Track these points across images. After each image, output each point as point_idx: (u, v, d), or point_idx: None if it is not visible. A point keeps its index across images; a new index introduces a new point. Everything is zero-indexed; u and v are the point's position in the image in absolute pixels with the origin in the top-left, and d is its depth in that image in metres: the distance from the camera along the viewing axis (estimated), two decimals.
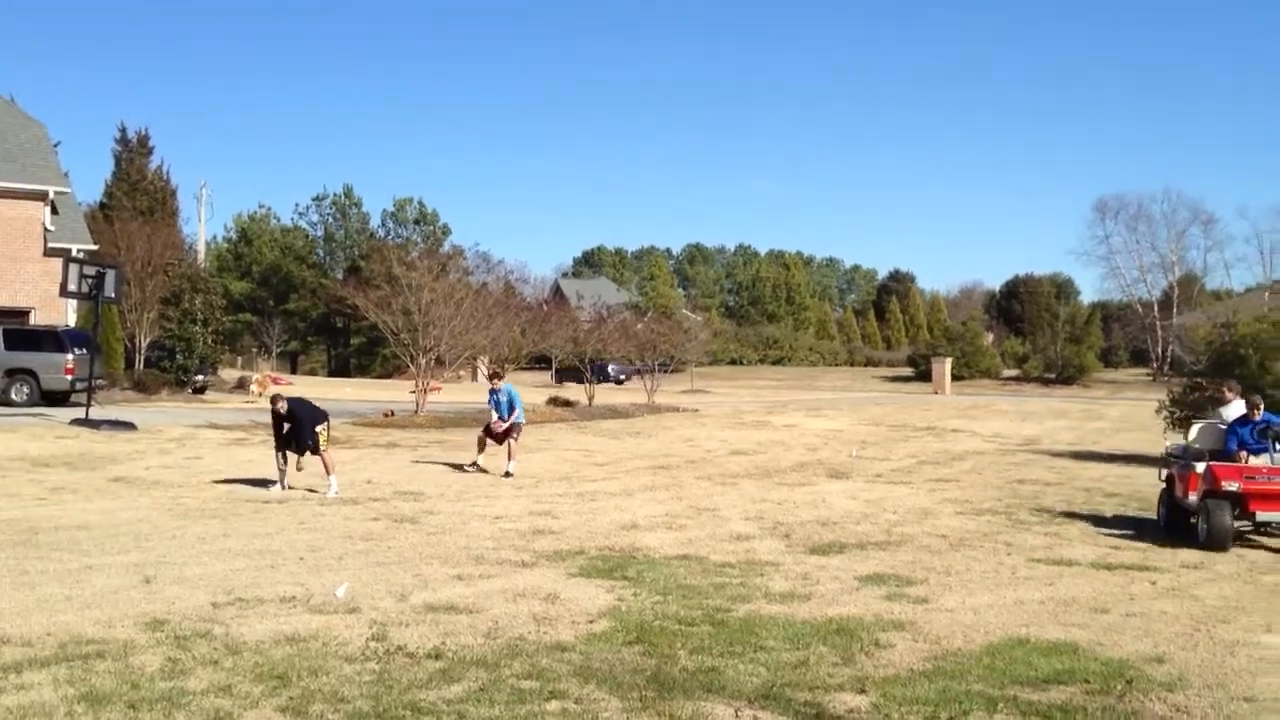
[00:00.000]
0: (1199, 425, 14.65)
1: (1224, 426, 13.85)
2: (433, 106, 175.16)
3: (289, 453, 15.26)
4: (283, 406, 15.20)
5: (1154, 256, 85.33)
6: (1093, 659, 7.40)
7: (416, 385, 30.39)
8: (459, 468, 18.48)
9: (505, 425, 18.38)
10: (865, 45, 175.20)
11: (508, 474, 17.70)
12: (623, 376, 55.25)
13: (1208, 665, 7.34)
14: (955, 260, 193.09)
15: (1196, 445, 14.04)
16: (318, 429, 15.28)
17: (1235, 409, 13.94)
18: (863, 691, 6.51)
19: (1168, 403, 23.25)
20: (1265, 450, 13.05)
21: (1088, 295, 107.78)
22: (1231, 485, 12.15)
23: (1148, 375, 72.79)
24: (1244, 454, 13.04)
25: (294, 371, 78.36)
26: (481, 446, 18.57)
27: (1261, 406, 13.49)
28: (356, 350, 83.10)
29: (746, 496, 16.06)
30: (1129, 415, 37.82)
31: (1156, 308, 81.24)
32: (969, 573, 10.49)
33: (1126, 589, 9.86)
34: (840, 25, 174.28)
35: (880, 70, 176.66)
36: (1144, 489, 17.71)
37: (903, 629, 8.14)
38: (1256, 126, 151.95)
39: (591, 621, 8.12)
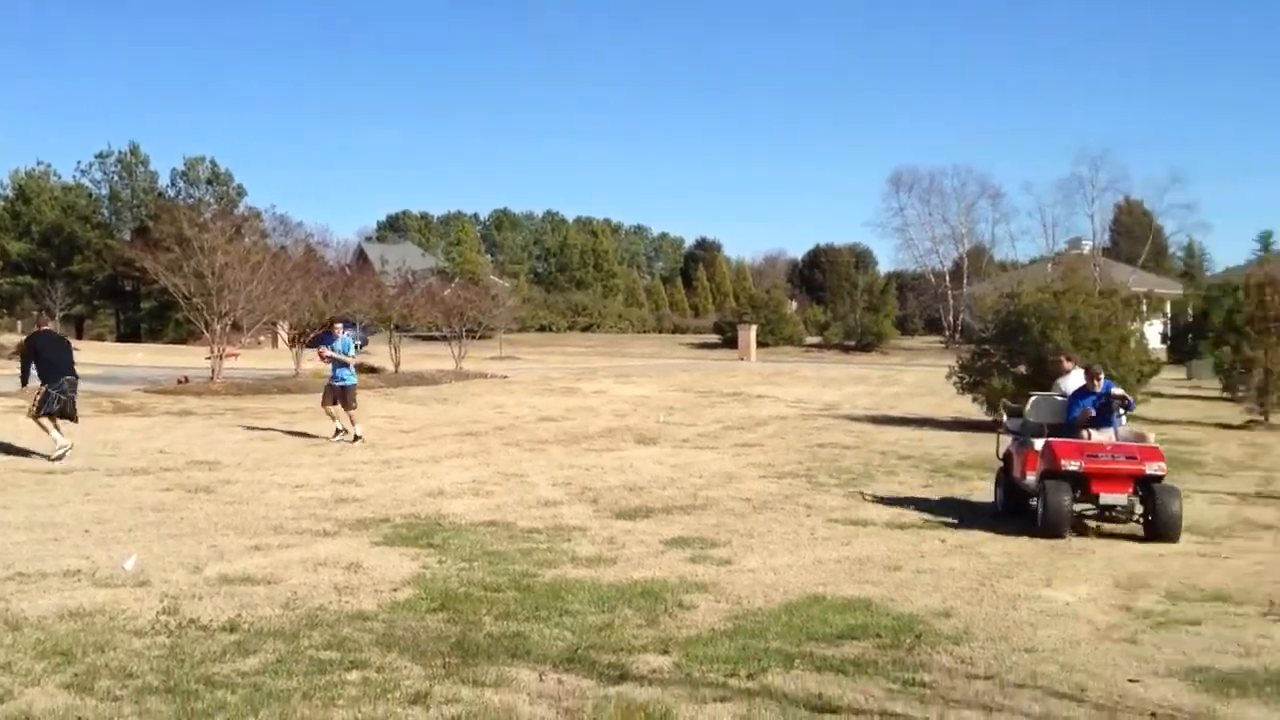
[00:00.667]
0: (1035, 398, 13.55)
1: (1063, 399, 12.89)
2: (228, 62, 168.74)
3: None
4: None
5: (945, 228, 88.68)
6: (885, 614, 7.67)
7: (212, 351, 29.34)
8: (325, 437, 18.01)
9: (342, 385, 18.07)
10: (673, 15, 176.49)
11: (356, 438, 17.62)
12: (359, 341, 51.66)
13: (991, 619, 7.69)
14: (760, 229, 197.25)
15: (1033, 419, 12.84)
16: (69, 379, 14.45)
17: (1074, 380, 13.16)
18: (665, 652, 6.59)
19: (958, 368, 24.23)
20: (1110, 424, 12.07)
21: (885, 265, 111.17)
22: (1072, 464, 10.99)
23: (940, 342, 75.69)
24: (1088, 431, 11.91)
25: (80, 336, 74.64)
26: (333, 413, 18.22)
27: (1101, 376, 12.33)
28: (147, 314, 79.61)
29: (554, 462, 16.08)
30: (923, 381, 39.27)
31: (948, 278, 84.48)
32: (770, 534, 10.75)
33: (918, 547, 10.26)
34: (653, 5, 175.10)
35: (685, 42, 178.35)
36: (934, 451, 18.50)
37: (705, 590, 8.28)
38: (1039, 104, 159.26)
39: (395, 590, 8.00)
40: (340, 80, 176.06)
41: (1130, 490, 11.05)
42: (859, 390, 35.79)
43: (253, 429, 19.13)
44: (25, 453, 14.84)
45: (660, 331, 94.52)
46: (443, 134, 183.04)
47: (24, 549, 8.93)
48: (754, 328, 66.50)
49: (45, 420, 14.33)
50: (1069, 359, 14.27)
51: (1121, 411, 12.28)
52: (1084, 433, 11.90)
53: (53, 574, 8.08)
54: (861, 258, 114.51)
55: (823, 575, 8.92)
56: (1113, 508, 11.10)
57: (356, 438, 17.74)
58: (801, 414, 26.06)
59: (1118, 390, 12.45)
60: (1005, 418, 14.23)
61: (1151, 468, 11.00)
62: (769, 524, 11.32)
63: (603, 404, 27.62)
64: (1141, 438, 12.16)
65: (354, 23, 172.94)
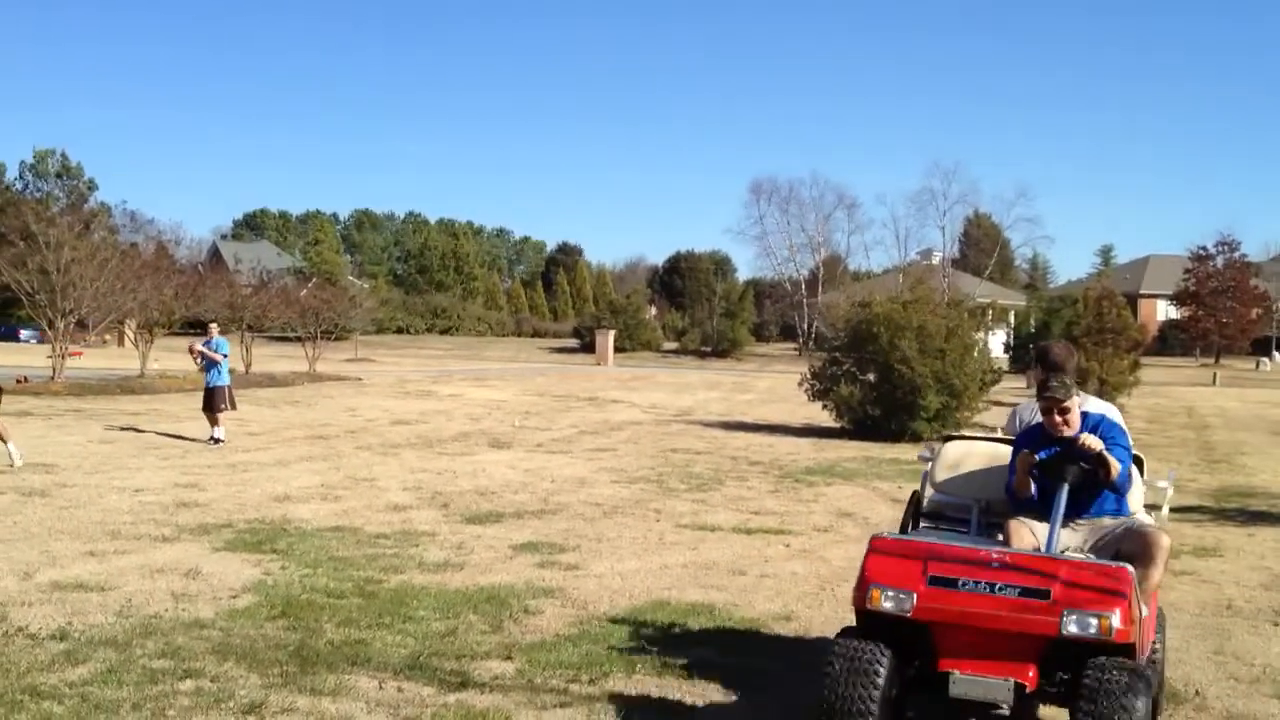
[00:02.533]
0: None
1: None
2: (83, 53, 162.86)
3: None
4: None
5: (803, 237, 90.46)
6: (727, 618, 7.83)
7: (53, 350, 28.34)
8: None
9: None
10: (535, 16, 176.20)
11: (214, 439, 17.53)
12: (33, 341, 49.09)
13: (830, 622, 7.89)
14: (622, 235, 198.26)
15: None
16: None
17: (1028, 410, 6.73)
18: (509, 658, 6.62)
19: (809, 376, 24.73)
20: (1092, 509, 5.92)
21: (744, 273, 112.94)
22: (890, 600, 5.16)
23: (794, 350, 77.15)
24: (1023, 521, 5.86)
25: None
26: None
27: (1076, 403, 5.95)
28: None
29: (407, 466, 15.94)
30: (775, 387, 39.95)
31: (804, 286, 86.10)
32: (619, 539, 10.84)
33: (763, 552, 10.47)
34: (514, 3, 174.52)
35: (548, 43, 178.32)
36: (783, 457, 18.83)
37: (552, 595, 8.33)
38: (895, 116, 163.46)
39: (234, 597, 7.86)
40: (199, 75, 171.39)
41: (1023, 671, 5.05)
42: (713, 396, 36.25)
43: (94, 431, 18.53)
44: None
45: (520, 335, 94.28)
46: (304, 132, 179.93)
47: None
48: (612, 333, 66.88)
49: None
50: (1054, 359, 6.54)
51: (1129, 480, 5.92)
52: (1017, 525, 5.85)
53: None
54: (721, 265, 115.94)
55: (669, 580, 9.05)
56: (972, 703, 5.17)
57: (216, 440, 17.48)
58: (656, 419, 26.29)
59: (1095, 444, 5.73)
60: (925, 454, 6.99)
61: (1081, 622, 4.91)
62: (618, 529, 11.42)
63: (458, 408, 27.46)
64: (1145, 549, 5.64)
65: (215, 16, 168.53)
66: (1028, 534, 5.74)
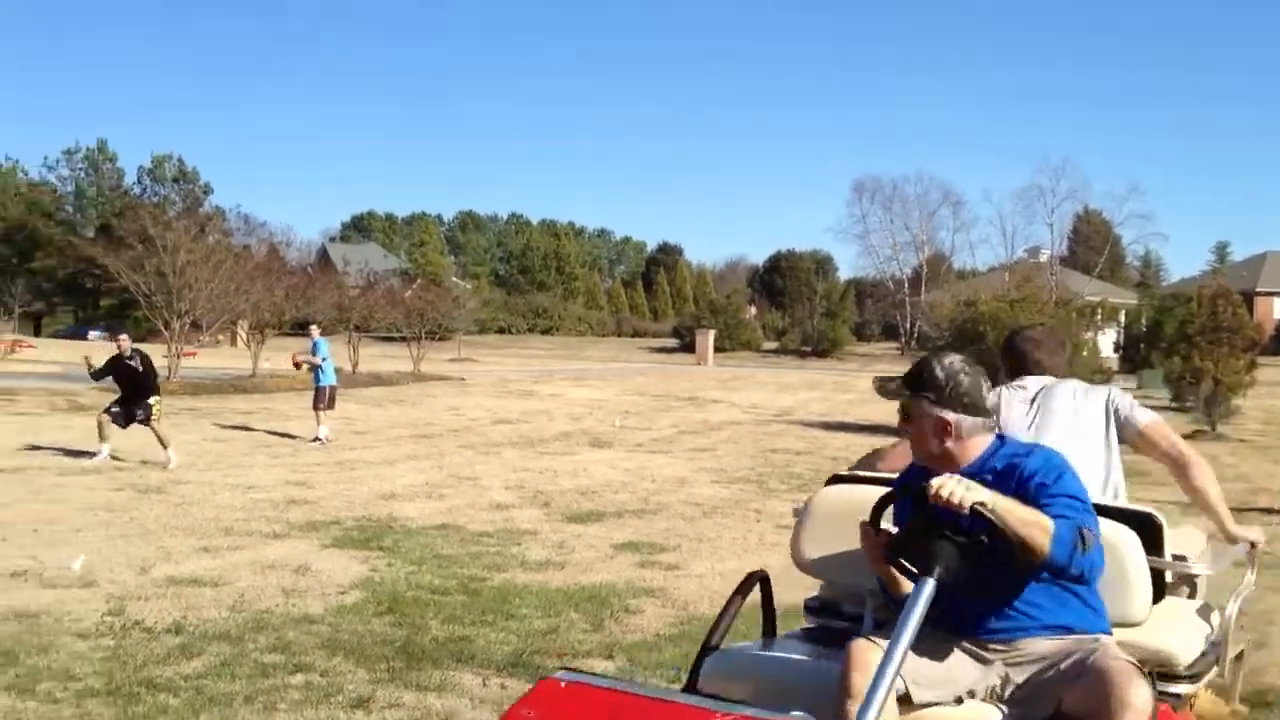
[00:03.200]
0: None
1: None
2: (195, 58, 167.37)
3: (112, 420, 14.65)
4: (127, 348, 14.84)
5: (906, 236, 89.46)
6: None
7: (170, 350, 29.18)
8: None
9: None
10: (639, 18, 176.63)
11: (317, 439, 17.85)
12: (100, 339, 45.63)
13: None
14: (722, 235, 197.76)
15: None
16: (151, 399, 14.78)
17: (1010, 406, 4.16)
18: (610, 657, 6.68)
19: None
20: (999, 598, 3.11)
21: (845, 272, 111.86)
22: None
23: (897, 349, 76.29)
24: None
25: (38, 334, 73.92)
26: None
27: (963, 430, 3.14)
28: (106, 313, 78.88)
29: (509, 465, 16.13)
30: None
31: (907, 285, 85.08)
32: (719, 539, 10.85)
33: None
34: (620, 5, 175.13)
35: (651, 45, 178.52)
36: None
37: (653, 595, 8.37)
38: (1002, 112, 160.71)
39: (342, 593, 8.04)
40: (309, 80, 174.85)
41: None
42: (813, 396, 36.04)
43: (207, 429, 19.06)
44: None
45: (619, 335, 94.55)
46: (409, 134, 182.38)
47: None
48: (712, 333, 66.79)
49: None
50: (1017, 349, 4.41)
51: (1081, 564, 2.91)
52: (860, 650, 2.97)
53: None
54: (822, 264, 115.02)
55: None
56: None
57: (318, 439, 17.87)
58: (756, 419, 26.22)
59: (955, 493, 2.84)
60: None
61: None
62: (718, 529, 11.43)
63: (559, 407, 27.68)
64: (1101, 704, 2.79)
65: (320, 25, 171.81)
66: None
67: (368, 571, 8.77)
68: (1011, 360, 4.36)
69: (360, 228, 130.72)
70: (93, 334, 63.25)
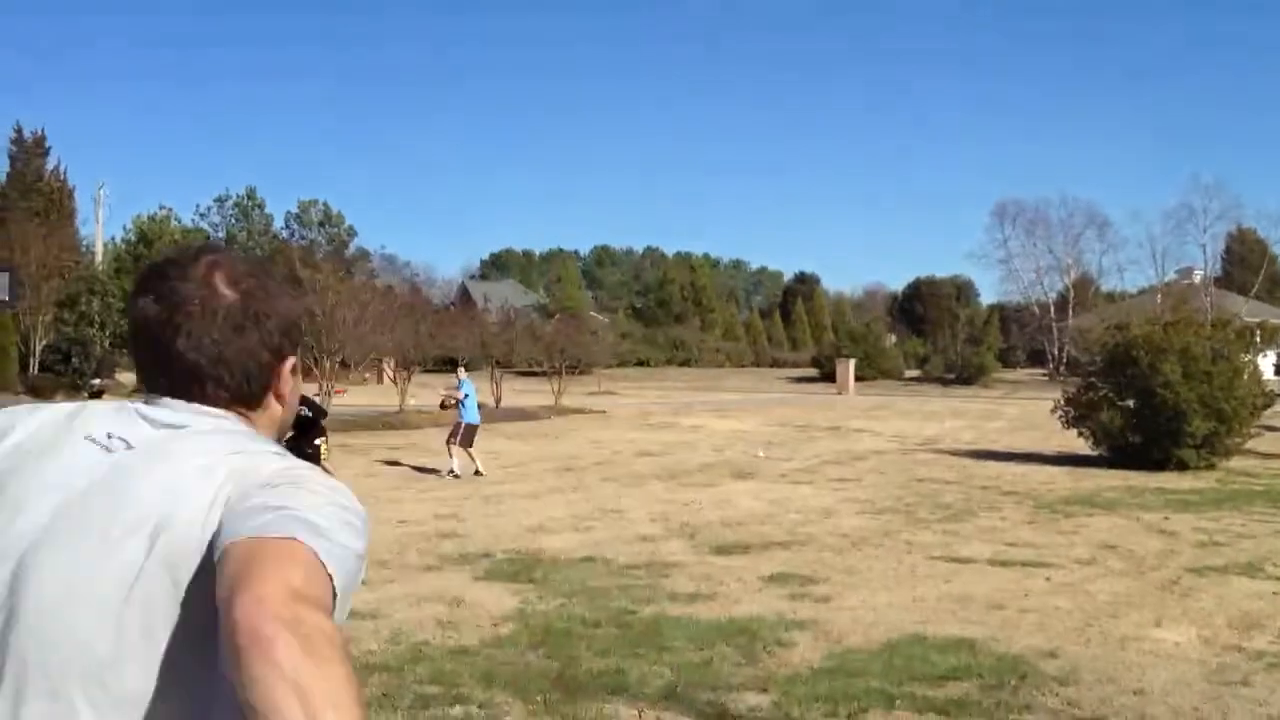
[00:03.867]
0: None
1: None
2: (338, 106, 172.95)
3: None
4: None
5: (1051, 259, 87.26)
6: (988, 654, 7.57)
7: (320, 388, 30.02)
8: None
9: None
10: (770, 48, 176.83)
11: (477, 472, 18.12)
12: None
13: (1099, 660, 7.55)
14: (860, 263, 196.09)
15: None
16: (318, 440, 15.22)
17: None
18: (764, 690, 6.60)
19: (1063, 402, 23.81)
20: None
21: (987, 297, 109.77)
22: None
23: (1044, 375, 74.35)
24: None
25: None
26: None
27: None
28: None
29: (652, 497, 16.14)
30: (1025, 414, 38.60)
31: (1053, 309, 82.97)
32: (869, 571, 10.67)
33: (1021, 585, 10.10)
34: (744, 30, 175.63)
35: (785, 74, 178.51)
36: (1038, 486, 18.15)
37: (804, 628, 8.25)
38: (1148, 132, 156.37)
39: (496, 625, 8.12)
40: (447, 124, 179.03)
41: None
42: (960, 424, 35.32)
43: (359, 465, 19.51)
44: None
45: (758, 365, 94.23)
46: (545, 173, 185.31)
47: None
48: (852, 361, 66.06)
49: None
50: None
51: None
52: None
53: None
54: (963, 290, 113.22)
55: (923, 613, 8.84)
56: None
57: (477, 472, 18.22)
58: (901, 448, 25.80)
59: None
60: None
61: None
62: (868, 560, 11.24)
63: (700, 439, 27.64)
64: None
65: (455, 72, 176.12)
66: None
67: (519, 604, 8.84)
68: None
69: (499, 265, 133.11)
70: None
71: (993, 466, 21.66)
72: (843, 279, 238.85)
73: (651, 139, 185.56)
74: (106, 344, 36.46)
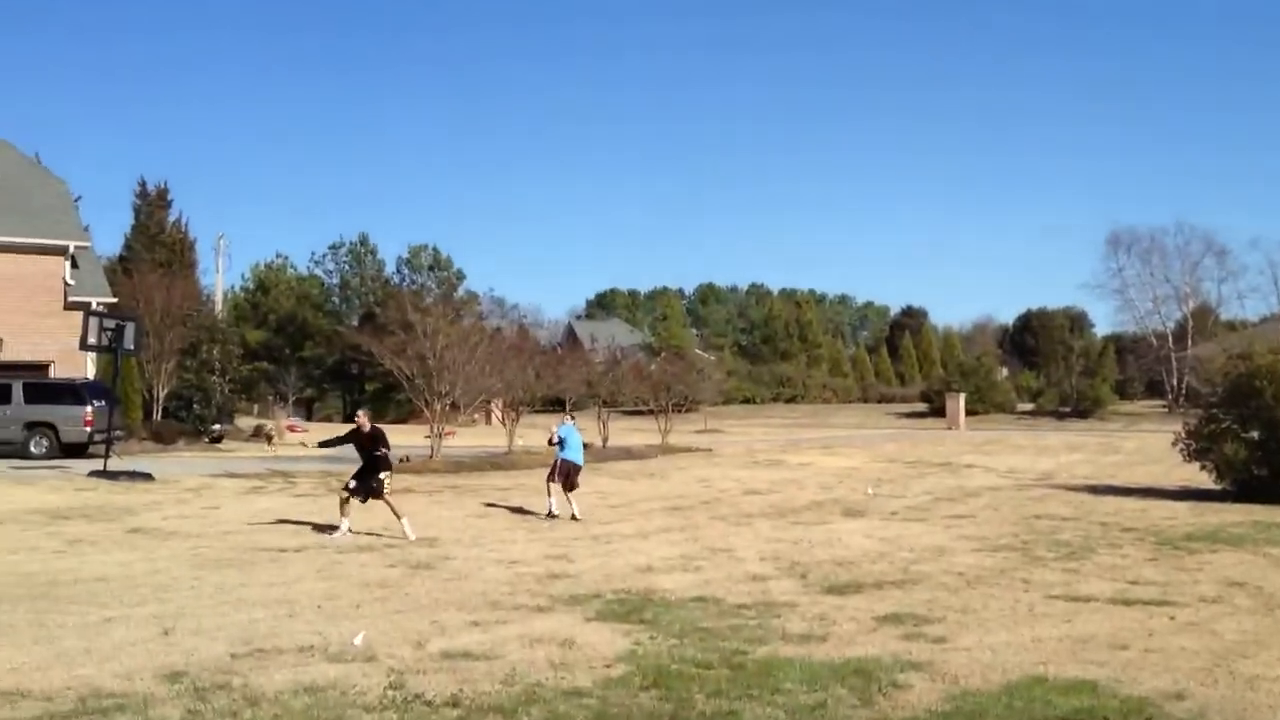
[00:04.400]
0: None
1: None
2: (445, 153, 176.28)
3: (354, 496, 15.50)
4: (365, 424, 15.63)
5: (1168, 289, 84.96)
6: (1112, 696, 7.37)
7: (431, 430, 30.47)
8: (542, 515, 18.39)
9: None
10: (873, 82, 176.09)
11: (573, 517, 17.99)
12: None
13: (1228, 701, 7.31)
14: (968, 295, 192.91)
15: None
16: (383, 474, 15.57)
17: None
18: None
19: (1184, 435, 23.18)
20: None
21: (1102, 328, 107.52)
22: None
23: (1163, 407, 72.46)
24: None
25: (310, 418, 78.48)
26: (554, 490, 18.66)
27: None
28: (371, 396, 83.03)
29: (762, 536, 16.05)
30: (1145, 448, 37.67)
31: (1171, 339, 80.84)
32: (986, 610, 10.47)
33: (1145, 624, 9.83)
34: (847, 61, 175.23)
35: (889, 107, 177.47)
36: (1160, 522, 17.67)
37: (920, 669, 8.12)
38: (1268, 158, 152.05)
39: (608, 666, 8.12)
40: (550, 169, 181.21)
41: None
42: (1076, 458, 34.55)
43: (469, 505, 19.73)
44: (260, 530, 15.73)
45: (866, 401, 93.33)
46: (649, 213, 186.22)
47: (261, 625, 9.44)
48: (963, 395, 65.20)
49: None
50: None
51: None
52: None
53: (288, 650, 8.51)
54: (1076, 321, 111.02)
55: (1043, 654, 8.64)
56: None
57: (573, 517, 18.07)
58: (1015, 484, 25.32)
59: None
60: None
61: None
62: (984, 600, 11.03)
63: (808, 476, 27.43)
64: None
65: (559, 111, 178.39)
66: None
67: (631, 645, 8.84)
68: None
69: (604, 305, 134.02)
70: (295, 420, 63.45)
71: (1111, 502, 21.13)
72: (951, 312, 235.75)
73: (755, 177, 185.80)
74: (226, 390, 37.45)
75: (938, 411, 68.05)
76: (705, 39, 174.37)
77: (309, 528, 16.03)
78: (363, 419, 16.04)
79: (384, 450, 15.65)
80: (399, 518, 15.34)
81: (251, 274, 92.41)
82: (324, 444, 16.51)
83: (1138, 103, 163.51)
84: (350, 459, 16.48)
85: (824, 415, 77.84)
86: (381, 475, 15.57)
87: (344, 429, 16.80)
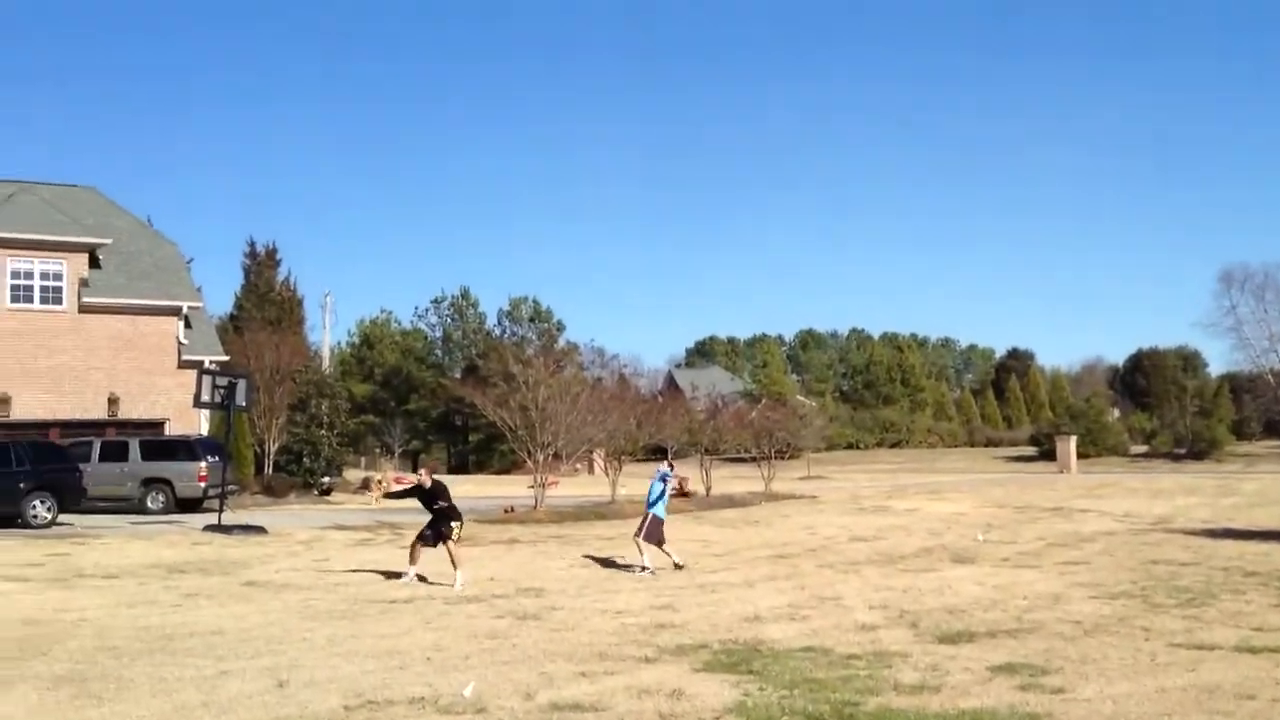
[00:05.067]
0: None
1: None
2: (543, 205, 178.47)
3: (424, 545, 15.75)
4: (426, 481, 15.86)
5: None
6: None
7: (534, 480, 30.67)
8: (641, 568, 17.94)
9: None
10: (975, 119, 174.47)
11: (677, 566, 17.88)
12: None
13: None
14: (1076, 336, 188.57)
15: None
16: (454, 522, 15.78)
17: None
18: None
19: None
20: None
21: (1216, 367, 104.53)
22: None
23: None
24: None
25: (415, 470, 79.53)
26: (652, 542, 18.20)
27: None
28: (475, 447, 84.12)
29: (869, 584, 15.83)
30: (1266, 489, 36.45)
31: None
32: (1105, 660, 10.18)
33: (1272, 673, 9.47)
34: (951, 101, 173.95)
35: (987, 145, 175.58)
36: None
37: None
38: None
39: (717, 718, 8.05)
40: (647, 219, 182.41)
41: None
42: (1193, 501, 33.54)
43: (573, 555, 19.78)
44: (384, 574, 15.95)
45: (972, 445, 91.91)
46: (750, 261, 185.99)
47: (373, 676, 9.54)
48: (1073, 438, 63.89)
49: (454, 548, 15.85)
50: None
51: None
52: None
53: (399, 701, 8.58)
54: (1189, 360, 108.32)
55: (1167, 705, 8.36)
56: None
57: (677, 566, 17.93)
58: (1130, 528, 24.65)
59: None
60: None
61: None
62: (1103, 649, 10.73)
63: (916, 522, 27.02)
64: None
65: (653, 164, 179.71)
66: None
67: (740, 696, 8.75)
68: None
69: (703, 352, 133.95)
70: (401, 472, 63.43)
71: (1232, 546, 20.47)
72: (1058, 354, 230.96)
73: (852, 222, 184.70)
74: (334, 443, 38.15)
75: (1047, 455, 66.77)
76: (796, 101, 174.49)
77: (416, 579, 16.19)
78: (424, 475, 16.27)
79: (444, 503, 15.88)
80: (455, 566, 15.51)
81: (357, 329, 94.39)
82: (390, 495, 16.76)
83: (1250, 136, 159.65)
84: (471, 508, 16.63)
85: (929, 460, 76.76)
86: (453, 524, 15.81)
87: (447, 479, 17.04)
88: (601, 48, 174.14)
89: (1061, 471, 58.16)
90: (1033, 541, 22.05)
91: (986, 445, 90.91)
